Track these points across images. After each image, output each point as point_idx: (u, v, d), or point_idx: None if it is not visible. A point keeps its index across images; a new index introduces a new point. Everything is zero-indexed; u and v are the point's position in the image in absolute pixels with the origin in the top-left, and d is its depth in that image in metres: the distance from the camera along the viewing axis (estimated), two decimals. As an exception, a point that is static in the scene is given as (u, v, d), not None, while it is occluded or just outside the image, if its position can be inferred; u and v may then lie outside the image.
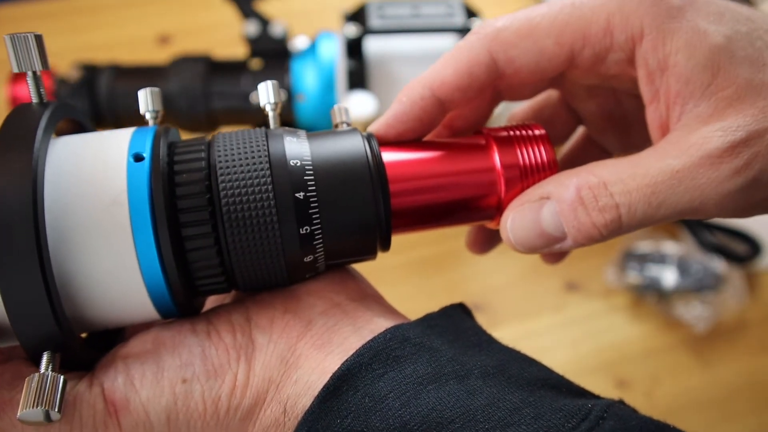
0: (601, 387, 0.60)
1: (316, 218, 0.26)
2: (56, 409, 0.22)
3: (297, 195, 0.25)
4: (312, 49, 0.64)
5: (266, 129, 0.28)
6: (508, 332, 0.62)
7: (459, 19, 0.62)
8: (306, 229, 0.26)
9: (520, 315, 0.64)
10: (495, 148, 0.28)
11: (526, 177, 0.28)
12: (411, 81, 0.29)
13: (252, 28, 0.64)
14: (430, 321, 0.27)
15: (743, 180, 0.24)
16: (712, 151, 0.24)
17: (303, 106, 0.63)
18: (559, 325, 0.63)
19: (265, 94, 0.29)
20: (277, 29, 0.64)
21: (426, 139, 0.30)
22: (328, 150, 0.27)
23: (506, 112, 0.36)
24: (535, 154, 0.28)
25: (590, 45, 0.27)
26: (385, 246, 0.29)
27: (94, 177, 0.25)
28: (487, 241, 0.35)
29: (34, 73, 0.26)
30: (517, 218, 0.27)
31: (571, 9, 0.27)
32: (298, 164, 0.26)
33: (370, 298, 0.29)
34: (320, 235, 0.26)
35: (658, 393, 0.59)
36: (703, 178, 0.24)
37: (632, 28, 0.26)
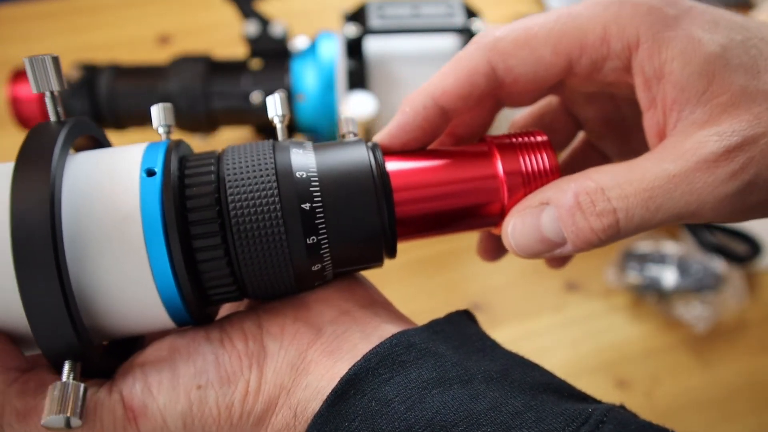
0: (601, 387, 0.60)
1: (323, 228, 0.26)
2: (78, 416, 0.23)
3: (303, 206, 0.26)
4: (312, 49, 0.64)
5: (273, 141, 0.28)
6: (508, 332, 0.62)
7: (459, 19, 0.62)
8: (313, 239, 0.26)
9: (520, 315, 0.64)
10: (497, 156, 0.29)
11: (529, 183, 0.28)
12: (413, 91, 0.30)
13: (252, 28, 0.64)
14: (435, 327, 0.28)
15: (739, 184, 0.24)
16: (708, 156, 0.25)
17: (303, 106, 0.63)
18: (559, 325, 0.63)
19: (273, 107, 0.30)
20: (277, 29, 0.64)
21: (429, 147, 0.31)
22: (333, 161, 0.27)
23: (506, 117, 0.36)
24: (538, 161, 0.29)
25: (587, 54, 0.27)
26: (391, 253, 0.29)
27: (108, 192, 0.26)
28: (498, 248, 0.36)
29: (52, 93, 0.27)
30: (518, 224, 0.27)
31: (567, 18, 0.27)
32: (304, 176, 0.27)
33: (378, 304, 0.29)
34: (327, 245, 0.27)
35: (658, 393, 0.59)
36: (699, 182, 0.24)
37: (628, 37, 0.26)
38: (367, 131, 0.60)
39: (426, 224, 0.29)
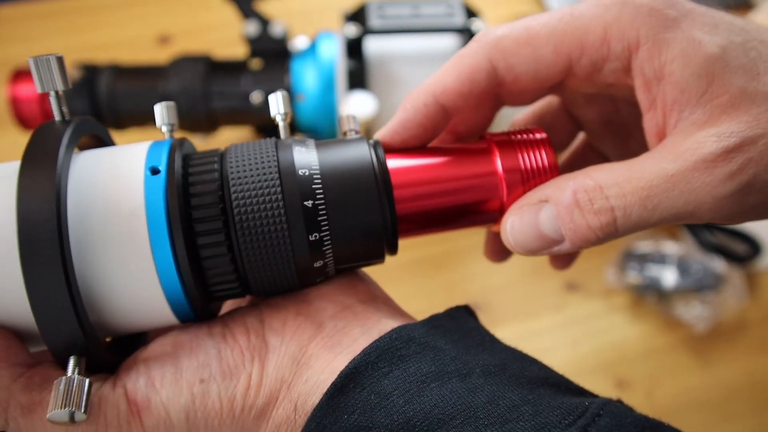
0: (601, 387, 0.60)
1: (325, 225, 0.27)
2: (82, 410, 0.24)
3: (306, 203, 0.26)
4: (312, 49, 0.64)
5: (276, 139, 0.29)
6: (508, 332, 0.62)
7: (459, 19, 0.62)
8: (315, 236, 0.27)
9: (520, 315, 0.64)
10: (497, 153, 0.29)
11: (528, 180, 0.29)
12: (414, 89, 0.30)
13: (252, 28, 0.64)
14: (434, 321, 0.28)
15: (737, 184, 0.25)
16: (707, 156, 0.25)
17: (303, 106, 0.63)
18: (559, 325, 0.63)
19: (276, 105, 0.30)
20: (277, 29, 0.64)
21: (430, 145, 0.31)
22: (335, 158, 0.28)
23: (507, 116, 0.36)
24: (537, 158, 0.29)
25: (587, 54, 0.27)
26: (393, 250, 0.29)
27: (113, 190, 0.26)
28: (504, 249, 0.36)
29: (57, 92, 0.27)
30: (517, 221, 0.28)
31: (569, 19, 0.27)
32: (307, 173, 0.27)
33: (379, 300, 0.29)
34: (329, 241, 0.27)
35: (658, 393, 0.59)
36: (698, 181, 0.25)
37: (628, 39, 0.26)
38: (368, 131, 0.60)
39: (426, 221, 0.29)
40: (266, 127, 0.67)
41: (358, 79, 0.62)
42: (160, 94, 0.63)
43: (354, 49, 0.62)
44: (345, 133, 0.31)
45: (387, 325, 0.27)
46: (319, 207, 0.27)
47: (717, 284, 0.62)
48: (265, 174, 0.27)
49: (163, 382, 0.26)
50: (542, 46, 0.28)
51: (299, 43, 0.66)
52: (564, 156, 0.37)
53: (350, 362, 0.25)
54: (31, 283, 0.24)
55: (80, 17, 0.88)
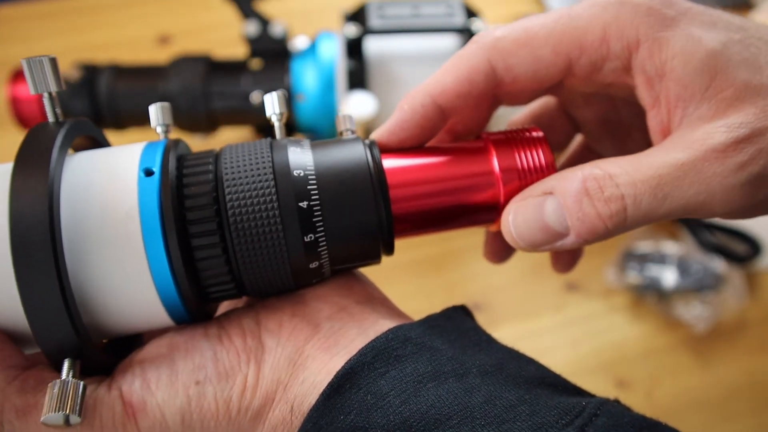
0: (601, 387, 0.60)
1: (320, 226, 0.27)
2: (77, 413, 0.24)
3: (300, 204, 0.26)
4: (312, 49, 0.64)
5: (271, 140, 0.28)
6: (508, 332, 0.62)
7: (459, 19, 0.62)
8: (310, 237, 0.27)
9: (520, 315, 0.64)
10: (493, 152, 0.29)
11: (525, 180, 0.28)
12: (412, 90, 0.30)
13: (252, 28, 0.64)
14: (431, 321, 0.28)
15: (747, 175, 0.24)
16: (717, 146, 0.24)
17: (303, 106, 0.63)
18: (559, 325, 0.63)
19: (271, 105, 0.30)
20: (277, 29, 0.64)
21: (427, 144, 0.31)
22: (331, 159, 0.28)
23: (504, 115, 0.36)
24: (533, 157, 0.29)
25: (587, 54, 0.27)
26: (389, 250, 0.29)
27: (107, 192, 0.26)
28: (504, 250, 0.36)
29: (50, 93, 0.27)
30: (519, 213, 0.27)
31: (568, 19, 0.27)
32: (302, 174, 0.27)
33: (376, 300, 0.29)
34: (324, 242, 0.27)
35: (658, 393, 0.59)
36: (709, 171, 0.24)
37: (628, 38, 0.26)
38: (367, 131, 0.60)
39: (423, 221, 0.29)
40: (266, 127, 0.67)
41: (358, 79, 0.62)
42: (160, 94, 0.63)
43: (354, 49, 0.62)
44: (341, 133, 0.31)
45: (384, 325, 0.27)
46: (314, 208, 0.26)
47: (717, 284, 0.62)
48: (259, 175, 0.26)
49: (159, 384, 0.26)
50: (541, 46, 0.28)
51: (299, 43, 0.66)
52: (562, 158, 0.37)
53: (346, 363, 0.25)
54: (24, 285, 0.23)
55: (80, 17, 0.88)
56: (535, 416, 0.23)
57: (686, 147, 0.25)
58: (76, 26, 0.87)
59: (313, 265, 0.27)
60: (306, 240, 0.26)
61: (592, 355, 0.61)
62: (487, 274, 0.65)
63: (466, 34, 0.62)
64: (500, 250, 0.36)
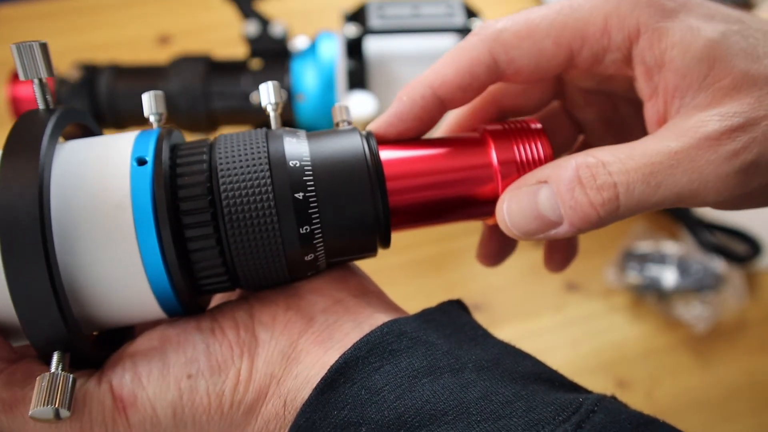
0: (601, 387, 0.59)
1: (316, 218, 0.26)
2: (66, 407, 0.23)
3: (296, 195, 0.26)
4: (312, 49, 0.64)
5: (267, 130, 0.28)
6: (508, 332, 0.62)
7: (459, 19, 0.62)
8: (306, 229, 0.26)
9: (520, 315, 0.64)
10: (492, 145, 0.29)
11: (523, 172, 0.28)
12: (412, 80, 0.29)
13: (252, 28, 0.64)
14: (427, 316, 0.28)
15: (740, 163, 0.24)
16: (711, 134, 0.24)
17: (303, 106, 0.63)
18: (559, 325, 0.63)
19: (266, 95, 0.30)
20: (277, 29, 0.64)
21: (424, 137, 0.31)
22: (327, 150, 0.27)
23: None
24: (532, 149, 0.28)
25: (588, 45, 0.27)
26: (386, 243, 0.29)
27: (98, 181, 0.25)
28: (497, 253, 0.35)
29: (40, 80, 0.26)
30: (514, 201, 0.27)
31: (569, 10, 0.27)
32: (298, 165, 0.26)
33: (371, 294, 0.29)
34: (320, 234, 0.27)
35: (658, 393, 0.59)
36: (702, 159, 0.24)
37: (628, 28, 0.26)
38: (367, 131, 0.60)
39: (420, 213, 0.29)
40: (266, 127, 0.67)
41: (358, 79, 0.62)
42: (160, 94, 0.63)
43: (354, 49, 0.62)
44: (338, 124, 0.30)
45: (379, 319, 0.27)
46: (310, 199, 0.26)
47: (717, 284, 0.62)
48: (254, 165, 0.26)
49: (150, 378, 0.26)
50: (543, 38, 0.27)
51: (299, 43, 0.66)
52: None
53: (340, 357, 0.25)
54: (12, 275, 0.23)
55: (80, 17, 0.88)
56: (532, 412, 0.23)
57: (680, 135, 0.25)
58: (76, 26, 0.87)
59: (308, 258, 0.27)
60: (302, 232, 0.26)
61: (592, 355, 0.61)
62: (487, 274, 0.65)
63: (466, 34, 0.62)
64: (494, 252, 0.36)
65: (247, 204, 0.25)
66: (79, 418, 0.25)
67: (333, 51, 0.62)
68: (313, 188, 0.26)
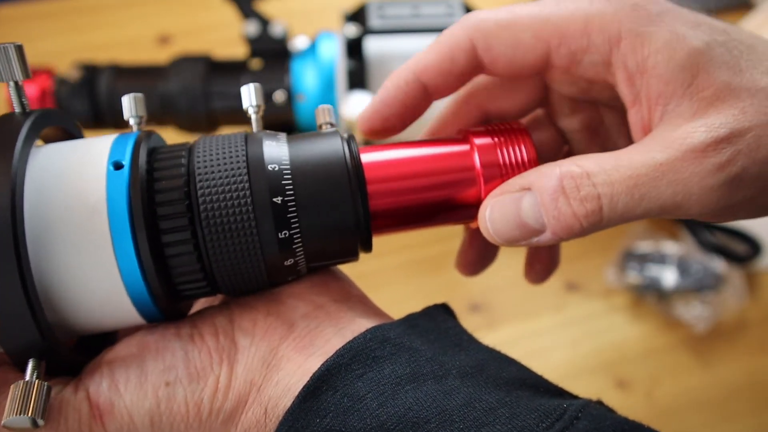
0: (601, 387, 0.60)
1: (295, 222, 0.26)
2: (40, 416, 0.23)
3: (275, 200, 0.26)
4: (312, 49, 0.64)
5: (247, 133, 0.28)
6: (508, 332, 0.62)
7: (459, 19, 0.62)
8: (285, 233, 0.26)
9: (520, 315, 0.64)
10: (474, 147, 0.28)
11: (507, 175, 0.28)
12: (395, 70, 0.30)
13: (252, 28, 0.64)
14: (411, 321, 0.27)
15: (726, 176, 0.24)
16: (696, 146, 0.24)
17: (303, 106, 0.63)
18: (559, 325, 0.63)
19: (248, 97, 0.30)
20: (277, 29, 0.64)
21: (407, 140, 0.30)
22: (307, 153, 0.27)
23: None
24: (516, 152, 0.28)
25: (566, 43, 0.27)
26: (367, 247, 0.29)
27: (74, 185, 0.25)
28: (477, 261, 0.35)
29: (16, 83, 0.26)
30: (497, 208, 0.27)
31: (552, 8, 0.28)
32: (276, 168, 0.26)
33: (354, 298, 0.29)
34: (299, 239, 0.26)
35: (658, 393, 0.59)
36: (687, 171, 0.24)
37: (610, 31, 0.26)
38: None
39: (402, 217, 0.28)
40: (266, 127, 0.67)
41: (358, 79, 0.62)
42: (160, 94, 0.63)
43: (354, 49, 0.62)
44: (320, 126, 0.30)
45: (361, 324, 0.27)
46: (289, 204, 0.26)
47: (717, 284, 0.62)
48: (233, 169, 0.26)
49: (127, 386, 0.25)
50: (522, 30, 0.28)
51: (299, 43, 0.66)
52: None
53: (323, 364, 0.25)
54: None
55: (80, 17, 0.88)
56: (515, 419, 0.23)
57: (665, 147, 0.25)
58: (76, 26, 0.87)
59: (288, 263, 0.27)
60: (280, 236, 0.26)
61: (592, 355, 0.61)
62: (487, 274, 0.65)
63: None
64: (474, 261, 0.35)
65: (225, 209, 0.25)
66: (55, 426, 0.24)
67: (333, 51, 0.62)
68: (292, 192, 0.26)
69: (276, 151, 0.27)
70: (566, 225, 0.25)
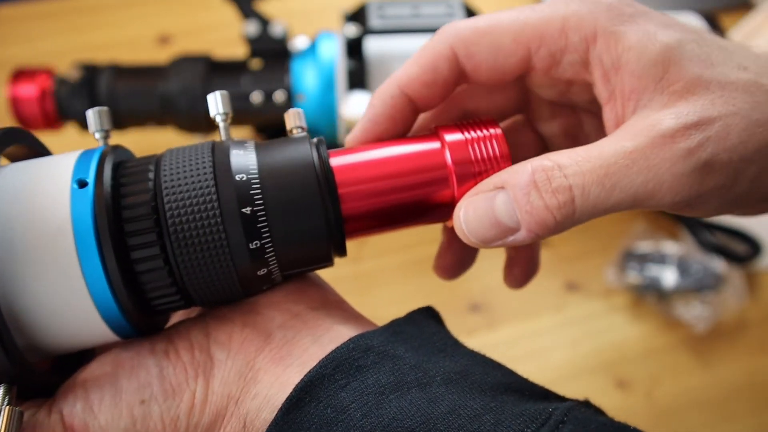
0: (601, 387, 0.60)
1: (266, 232, 0.26)
2: None
3: (244, 210, 0.25)
4: (312, 49, 0.64)
5: (214, 142, 0.27)
6: (508, 332, 0.62)
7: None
8: (256, 244, 0.26)
9: (520, 315, 0.64)
10: (446, 145, 0.28)
11: (480, 172, 0.28)
12: (379, 85, 0.30)
13: (252, 28, 0.64)
14: (395, 327, 0.27)
15: (695, 161, 0.24)
16: (665, 131, 0.24)
17: (303, 106, 0.63)
18: (559, 325, 0.63)
19: (215, 106, 0.29)
20: (277, 29, 0.64)
21: (378, 141, 0.30)
22: (275, 160, 0.27)
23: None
24: (488, 149, 0.28)
25: (546, 45, 0.28)
26: (341, 252, 0.28)
27: (38, 206, 0.25)
28: (455, 265, 0.35)
29: None
30: (471, 208, 0.27)
31: (530, 12, 0.28)
32: (244, 178, 0.26)
33: (331, 305, 0.29)
34: (271, 248, 0.26)
35: (658, 393, 0.59)
36: (657, 158, 0.24)
37: (586, 30, 0.27)
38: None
39: (376, 220, 0.28)
40: (267, 128, 0.67)
41: (358, 79, 0.62)
42: (160, 94, 0.63)
43: (354, 49, 0.62)
44: (291, 131, 0.30)
45: (339, 331, 0.27)
46: (259, 213, 0.26)
47: (717, 284, 0.62)
48: (200, 181, 0.25)
49: (102, 406, 0.25)
50: (502, 35, 0.28)
51: (299, 43, 0.66)
52: None
53: (306, 375, 0.25)
54: None
55: (80, 17, 0.88)
56: (500, 425, 0.23)
57: (635, 135, 0.25)
58: (76, 26, 0.87)
59: (261, 272, 0.26)
60: (251, 247, 0.25)
61: (592, 355, 0.61)
62: (487, 274, 0.65)
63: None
64: (450, 265, 0.35)
65: (194, 221, 0.25)
66: None
67: (333, 51, 0.62)
68: (261, 202, 0.26)
69: (243, 160, 0.26)
70: (539, 219, 0.25)
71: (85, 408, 0.25)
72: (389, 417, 0.23)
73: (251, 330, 0.27)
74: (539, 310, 0.64)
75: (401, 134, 0.30)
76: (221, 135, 0.29)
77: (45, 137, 0.69)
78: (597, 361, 0.61)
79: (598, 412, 0.26)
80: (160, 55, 0.72)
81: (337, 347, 0.26)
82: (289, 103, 0.63)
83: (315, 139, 0.29)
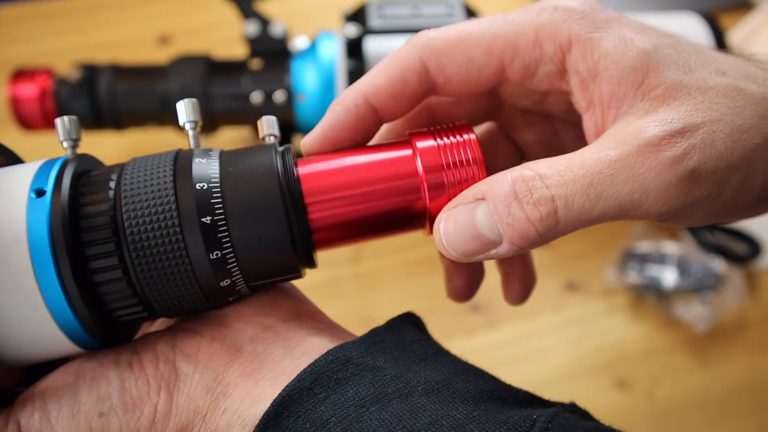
0: (601, 387, 0.60)
1: (227, 242, 0.25)
2: None
3: (203, 219, 0.25)
4: (312, 49, 0.64)
5: (178, 151, 0.27)
6: (508, 332, 0.62)
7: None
8: (216, 254, 0.25)
9: (520, 315, 0.64)
10: (417, 152, 0.27)
11: (452, 180, 0.27)
12: (344, 90, 0.29)
13: (252, 28, 0.64)
14: (374, 337, 0.27)
15: (682, 170, 0.23)
16: (650, 139, 0.24)
17: (303, 106, 0.63)
18: (559, 325, 0.63)
19: (184, 113, 0.29)
20: (277, 29, 0.64)
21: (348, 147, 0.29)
22: (238, 169, 0.26)
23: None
24: (460, 155, 0.27)
25: (520, 56, 0.27)
26: (309, 263, 0.28)
27: None
28: (467, 285, 0.34)
29: None
30: (450, 221, 0.26)
31: (502, 22, 0.27)
32: (205, 187, 0.25)
33: (304, 315, 0.28)
34: (233, 259, 0.26)
35: (658, 393, 0.59)
36: (642, 167, 0.23)
37: (560, 39, 0.26)
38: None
39: (345, 230, 0.27)
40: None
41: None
42: (160, 94, 0.63)
43: (354, 49, 0.62)
44: (263, 138, 0.29)
45: (312, 343, 0.26)
46: (219, 223, 0.25)
47: (717, 284, 0.62)
48: (159, 191, 0.25)
49: (59, 417, 0.25)
50: (474, 47, 0.27)
51: (299, 43, 0.66)
52: None
53: (283, 389, 0.24)
54: None
55: (80, 17, 0.88)
56: None
57: (619, 143, 0.24)
58: (76, 26, 0.87)
59: (224, 283, 0.26)
60: (212, 257, 0.25)
61: (592, 355, 0.61)
62: (487, 274, 0.65)
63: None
64: (464, 286, 0.33)
65: (152, 231, 0.25)
66: None
67: (333, 51, 0.62)
68: (221, 211, 0.25)
69: (205, 168, 0.26)
70: (521, 232, 0.24)
71: (43, 419, 0.25)
72: (370, 430, 0.23)
73: (220, 344, 0.26)
74: (539, 310, 0.64)
75: (360, 143, 0.29)
76: (190, 143, 0.28)
77: (45, 137, 0.68)
78: (597, 361, 0.61)
79: (584, 416, 0.25)
80: (160, 55, 0.72)
81: (315, 360, 0.25)
82: (289, 103, 0.63)
83: (282, 147, 0.28)
